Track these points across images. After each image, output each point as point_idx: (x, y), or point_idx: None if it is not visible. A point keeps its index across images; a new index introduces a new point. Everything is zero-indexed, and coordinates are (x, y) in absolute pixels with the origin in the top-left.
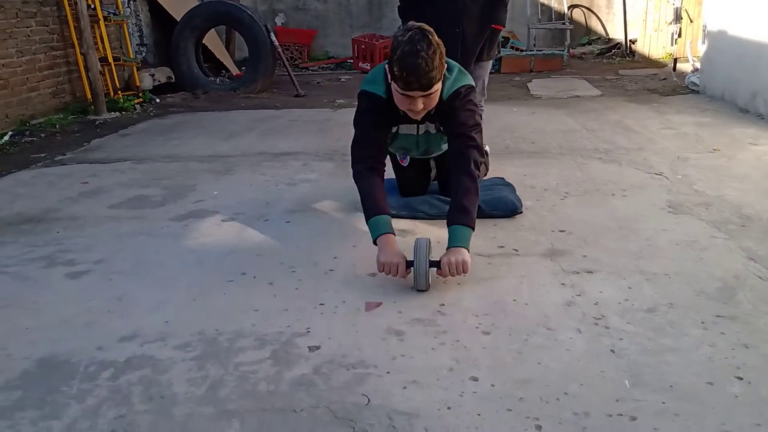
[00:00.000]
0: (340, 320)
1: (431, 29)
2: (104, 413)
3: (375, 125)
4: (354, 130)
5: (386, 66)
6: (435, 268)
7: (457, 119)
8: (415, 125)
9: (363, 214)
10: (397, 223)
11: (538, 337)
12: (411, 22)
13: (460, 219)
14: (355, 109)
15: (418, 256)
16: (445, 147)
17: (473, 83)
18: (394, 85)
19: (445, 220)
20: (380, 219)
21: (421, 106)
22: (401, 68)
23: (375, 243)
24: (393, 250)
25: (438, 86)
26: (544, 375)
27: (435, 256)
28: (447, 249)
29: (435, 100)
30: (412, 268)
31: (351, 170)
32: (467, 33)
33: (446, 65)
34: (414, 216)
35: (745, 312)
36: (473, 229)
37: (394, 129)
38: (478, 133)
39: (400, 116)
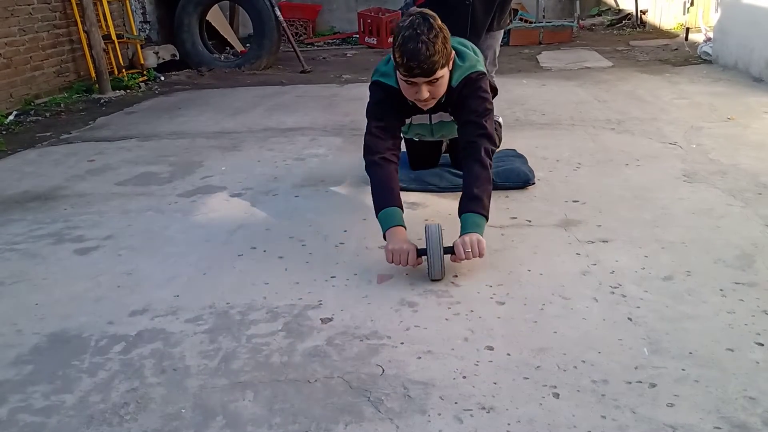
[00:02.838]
0: (352, 292)
1: (434, 14)
2: (116, 386)
3: (389, 115)
4: (367, 121)
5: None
6: (449, 255)
7: (467, 106)
8: (428, 115)
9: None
10: (407, 196)
11: (553, 306)
12: (413, 8)
13: (471, 207)
14: (361, 84)
15: (430, 244)
16: None
17: (485, 69)
18: (398, 74)
19: (456, 192)
20: (391, 211)
21: (426, 94)
22: (402, 54)
23: (384, 237)
24: (403, 239)
25: (443, 72)
26: (560, 343)
27: (447, 242)
28: (459, 236)
29: (442, 87)
30: (424, 257)
31: (363, 161)
32: (477, 3)
33: (457, 52)
34: (425, 189)
35: (764, 279)
36: (486, 217)
37: (408, 120)
38: (489, 120)
39: (411, 108)
